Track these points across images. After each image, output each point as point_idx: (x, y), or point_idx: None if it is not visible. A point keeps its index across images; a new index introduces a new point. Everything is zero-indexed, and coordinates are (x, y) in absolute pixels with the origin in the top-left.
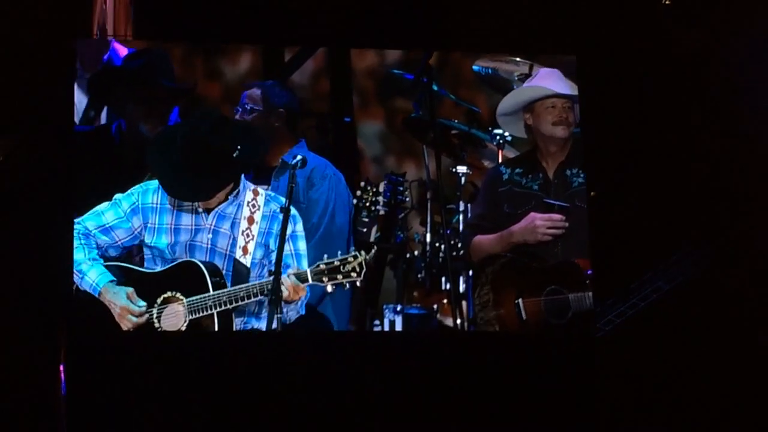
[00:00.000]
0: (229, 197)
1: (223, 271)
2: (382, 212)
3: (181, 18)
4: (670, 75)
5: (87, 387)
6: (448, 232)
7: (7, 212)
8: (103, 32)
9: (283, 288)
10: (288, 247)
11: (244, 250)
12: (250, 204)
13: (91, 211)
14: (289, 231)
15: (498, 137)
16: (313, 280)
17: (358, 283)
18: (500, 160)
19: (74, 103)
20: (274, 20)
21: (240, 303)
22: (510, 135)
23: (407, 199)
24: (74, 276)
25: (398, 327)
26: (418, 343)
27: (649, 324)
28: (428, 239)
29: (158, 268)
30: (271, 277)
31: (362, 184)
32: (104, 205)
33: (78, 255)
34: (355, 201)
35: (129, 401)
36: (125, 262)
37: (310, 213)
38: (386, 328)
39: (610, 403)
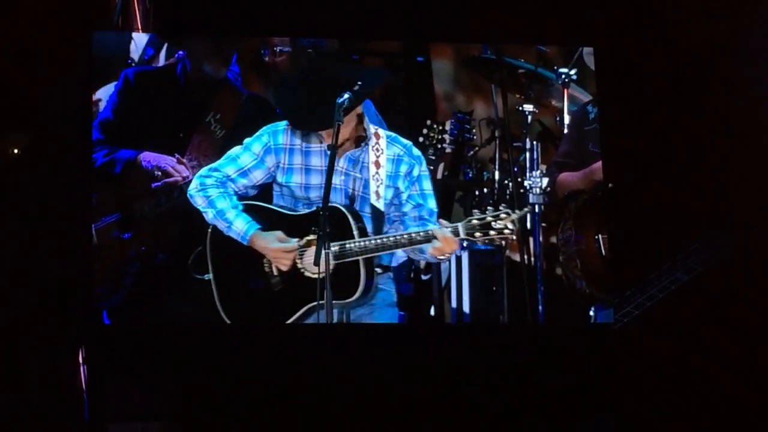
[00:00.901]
0: (362, 143)
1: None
2: (448, 150)
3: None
4: (689, 66)
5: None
6: (515, 169)
7: (24, 205)
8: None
9: (436, 241)
10: (414, 188)
11: (377, 195)
12: (374, 148)
13: (224, 158)
14: (415, 172)
15: (563, 76)
16: (464, 235)
17: (509, 241)
18: (566, 99)
19: (92, 95)
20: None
21: (385, 252)
22: (576, 74)
23: (474, 137)
24: (219, 224)
25: (464, 263)
26: (435, 337)
27: (668, 315)
28: (497, 177)
29: (288, 206)
30: (423, 228)
31: (428, 122)
32: (236, 149)
33: (221, 204)
34: (421, 139)
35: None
36: (260, 200)
37: None
38: (452, 263)
39: (629, 394)
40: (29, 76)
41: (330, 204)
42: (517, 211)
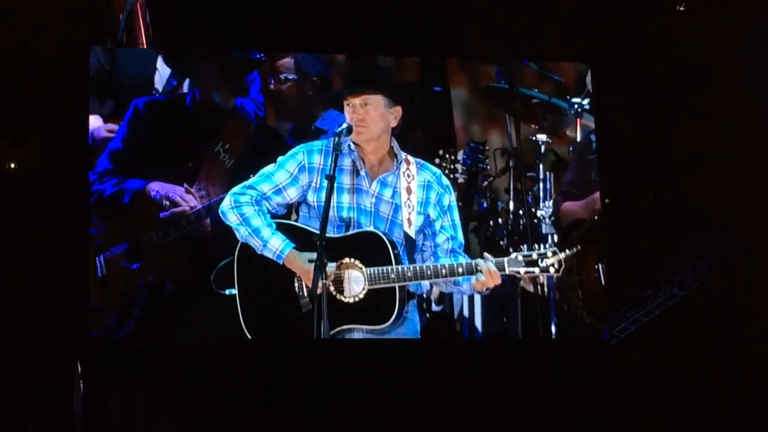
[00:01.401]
0: (394, 167)
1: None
2: (461, 180)
3: (200, 25)
4: (683, 83)
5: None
6: (530, 200)
7: (23, 218)
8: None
9: (480, 274)
10: (446, 219)
11: (409, 222)
12: (405, 174)
13: (258, 176)
14: (446, 201)
15: (576, 106)
16: (510, 271)
17: (554, 278)
18: (578, 129)
19: (88, 108)
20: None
21: (422, 280)
22: (588, 103)
23: (488, 166)
24: (252, 242)
25: None
26: (437, 352)
27: (664, 331)
28: (511, 207)
29: (317, 226)
30: (471, 260)
31: (440, 152)
32: (270, 168)
33: (256, 221)
34: None
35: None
36: (286, 219)
37: None
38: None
39: (625, 410)
40: (28, 89)
41: (366, 229)
42: (567, 251)
